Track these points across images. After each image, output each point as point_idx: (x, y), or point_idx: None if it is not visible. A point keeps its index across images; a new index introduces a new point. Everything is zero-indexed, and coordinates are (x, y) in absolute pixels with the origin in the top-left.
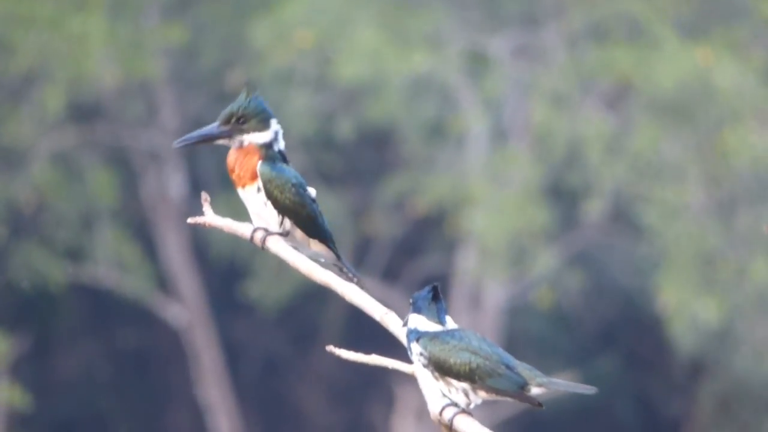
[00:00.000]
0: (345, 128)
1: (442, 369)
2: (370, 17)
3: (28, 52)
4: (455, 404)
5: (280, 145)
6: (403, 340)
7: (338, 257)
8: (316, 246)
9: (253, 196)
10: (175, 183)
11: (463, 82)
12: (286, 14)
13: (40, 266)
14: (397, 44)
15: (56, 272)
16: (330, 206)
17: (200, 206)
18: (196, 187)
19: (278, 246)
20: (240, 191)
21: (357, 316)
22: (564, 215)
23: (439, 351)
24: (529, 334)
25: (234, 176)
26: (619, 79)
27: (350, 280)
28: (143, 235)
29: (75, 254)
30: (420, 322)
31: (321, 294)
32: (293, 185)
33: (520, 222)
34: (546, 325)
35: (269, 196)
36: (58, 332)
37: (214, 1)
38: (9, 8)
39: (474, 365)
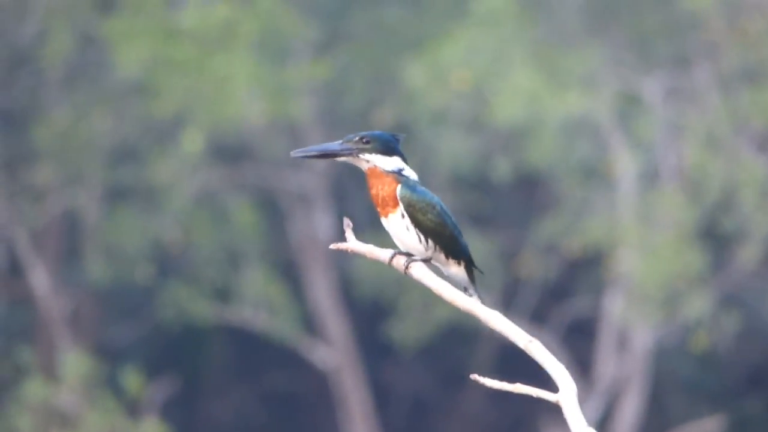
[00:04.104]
0: (501, 170)
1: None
2: (525, 57)
3: (173, 94)
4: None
5: (413, 176)
6: (548, 368)
7: (472, 281)
8: (453, 268)
9: (397, 223)
10: (324, 225)
11: (616, 123)
12: (443, 55)
13: (188, 306)
14: (552, 85)
15: (204, 312)
16: (479, 248)
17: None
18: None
19: (421, 272)
20: (384, 221)
21: (506, 354)
22: (715, 258)
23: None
24: (676, 376)
25: (378, 205)
26: None
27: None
28: (290, 277)
29: (222, 295)
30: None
31: (468, 333)
32: (433, 206)
33: (674, 265)
34: (693, 368)
35: (412, 219)
36: (207, 374)
37: (363, 39)
38: (153, 52)
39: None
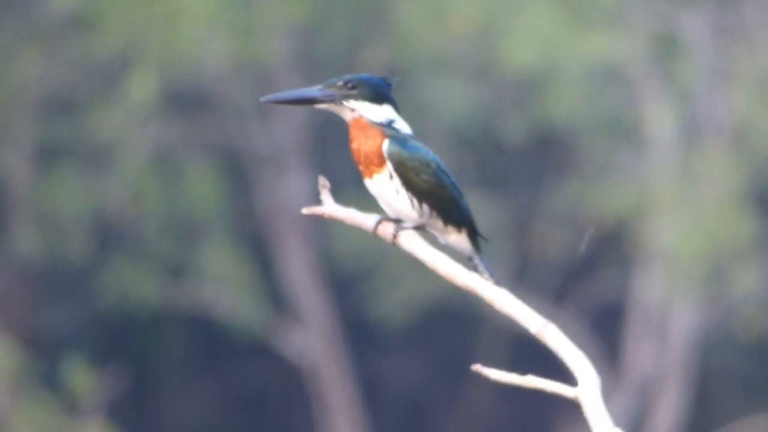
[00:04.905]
0: (512, 125)
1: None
2: None
3: (117, 29)
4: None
5: (405, 129)
6: (565, 357)
7: (477, 249)
8: (453, 236)
9: (384, 185)
10: (299, 190)
11: (650, 69)
12: None
13: (136, 287)
14: (573, 24)
15: (155, 294)
16: (486, 218)
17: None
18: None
19: (412, 242)
20: (368, 183)
21: (521, 342)
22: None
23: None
24: (726, 369)
25: (360, 163)
26: None
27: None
28: (258, 252)
29: (178, 274)
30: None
31: (472, 316)
32: (428, 163)
33: (719, 235)
34: (744, 358)
35: (403, 180)
36: (161, 368)
37: None
38: None
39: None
